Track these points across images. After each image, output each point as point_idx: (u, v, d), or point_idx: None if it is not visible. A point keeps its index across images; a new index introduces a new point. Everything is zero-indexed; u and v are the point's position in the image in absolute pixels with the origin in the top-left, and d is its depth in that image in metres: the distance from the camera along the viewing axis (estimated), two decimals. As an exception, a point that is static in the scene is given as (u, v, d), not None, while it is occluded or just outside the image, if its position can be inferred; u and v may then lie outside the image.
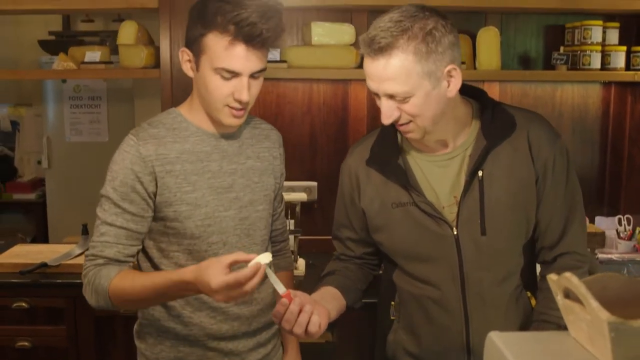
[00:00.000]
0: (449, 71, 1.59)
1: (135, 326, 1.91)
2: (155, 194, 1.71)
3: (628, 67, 3.00)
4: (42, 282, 2.73)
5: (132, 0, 2.88)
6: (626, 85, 3.13)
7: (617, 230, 3.06)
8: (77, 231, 3.22)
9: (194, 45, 1.67)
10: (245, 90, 1.66)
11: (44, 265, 2.78)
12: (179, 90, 2.91)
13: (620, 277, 1.05)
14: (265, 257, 1.51)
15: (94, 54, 3.01)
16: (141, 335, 1.88)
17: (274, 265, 1.99)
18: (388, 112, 1.61)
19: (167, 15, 2.87)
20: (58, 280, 2.73)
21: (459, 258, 1.70)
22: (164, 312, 1.81)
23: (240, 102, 1.68)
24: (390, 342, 1.87)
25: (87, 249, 1.76)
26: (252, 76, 1.67)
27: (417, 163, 1.75)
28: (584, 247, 1.83)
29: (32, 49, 4.78)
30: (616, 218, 3.10)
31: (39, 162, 4.90)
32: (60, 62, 2.98)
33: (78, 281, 2.67)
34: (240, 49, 1.62)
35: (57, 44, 4.55)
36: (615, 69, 2.97)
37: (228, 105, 1.69)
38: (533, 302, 1.82)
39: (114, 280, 1.66)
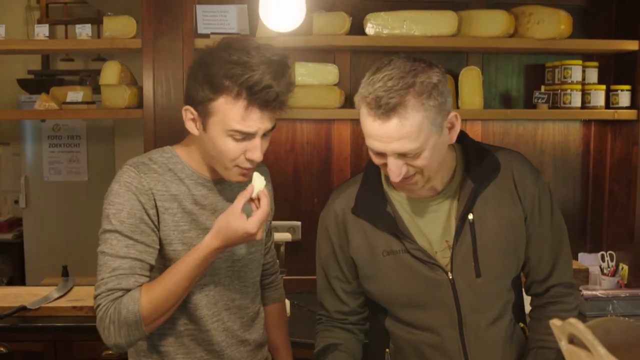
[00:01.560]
0: (450, 119, 1.60)
1: None
2: (157, 227, 1.67)
3: (607, 105, 3.04)
4: (21, 325, 2.66)
5: (115, 41, 2.88)
6: (606, 123, 3.18)
7: (600, 267, 3.08)
8: (55, 272, 3.16)
9: (200, 106, 1.62)
10: (259, 151, 1.63)
11: (23, 308, 2.71)
12: (162, 129, 2.89)
13: (622, 322, 1.05)
14: (259, 178, 1.66)
15: (76, 94, 2.99)
16: None
17: (267, 298, 2.03)
18: (398, 171, 1.58)
19: (150, 56, 2.86)
20: (38, 324, 2.67)
21: (455, 302, 1.70)
22: (157, 358, 1.77)
23: (252, 161, 1.65)
24: None
25: (95, 289, 1.63)
26: (264, 134, 1.64)
27: (405, 209, 1.74)
28: (571, 275, 1.86)
29: (10, 87, 4.75)
30: (599, 254, 3.12)
31: (16, 202, 4.84)
32: (42, 102, 2.95)
33: (58, 324, 2.67)
34: (255, 114, 1.58)
35: (36, 83, 4.54)
36: (595, 107, 3.01)
37: (238, 166, 1.66)
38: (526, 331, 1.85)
39: (143, 299, 1.58)
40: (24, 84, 4.67)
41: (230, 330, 1.79)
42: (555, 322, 1.02)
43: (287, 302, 2.84)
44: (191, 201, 1.72)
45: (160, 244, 1.69)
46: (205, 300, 1.74)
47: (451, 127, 1.62)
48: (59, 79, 4.71)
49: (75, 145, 4.57)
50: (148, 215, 1.65)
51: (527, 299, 1.93)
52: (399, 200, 1.74)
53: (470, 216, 1.69)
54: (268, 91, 1.56)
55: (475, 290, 1.70)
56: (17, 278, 4.78)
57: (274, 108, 1.60)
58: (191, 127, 1.68)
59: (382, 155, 1.59)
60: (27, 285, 3.70)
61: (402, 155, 1.56)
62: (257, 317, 1.89)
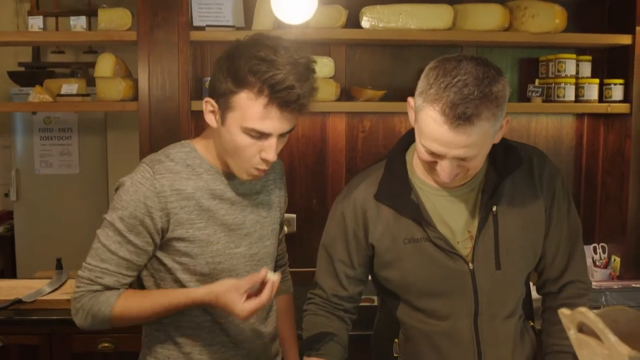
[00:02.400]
0: (503, 124, 1.61)
1: None
2: (164, 230, 1.68)
3: (601, 99, 3.07)
4: (16, 319, 2.66)
5: (110, 33, 2.87)
6: (599, 116, 3.20)
7: (592, 259, 3.11)
8: (47, 265, 3.16)
9: (222, 99, 1.61)
10: (273, 151, 1.62)
11: (18, 301, 2.71)
12: (158, 122, 2.89)
13: (628, 311, 1.06)
14: (274, 274, 1.64)
15: (70, 87, 2.98)
16: None
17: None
18: (451, 173, 1.60)
19: (145, 48, 2.85)
20: (33, 317, 2.66)
21: (474, 292, 1.72)
22: (174, 348, 1.78)
23: (266, 162, 1.65)
24: None
25: (81, 270, 1.71)
26: (281, 135, 1.63)
27: (430, 198, 1.75)
28: (586, 274, 1.87)
29: (0, 80, 4.71)
30: (591, 247, 3.15)
31: (7, 195, 4.81)
32: (36, 95, 2.94)
33: (54, 317, 2.66)
34: (274, 113, 1.57)
35: (27, 76, 4.50)
36: (588, 101, 3.03)
37: (252, 165, 1.65)
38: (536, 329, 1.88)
39: (116, 307, 1.66)
40: (14, 76, 4.63)
41: (247, 323, 1.79)
42: (564, 311, 1.04)
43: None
44: (209, 196, 1.71)
45: (172, 242, 1.70)
46: None
47: (500, 129, 1.63)
48: (49, 72, 4.67)
49: (66, 138, 4.54)
50: (152, 218, 1.66)
51: (535, 297, 1.95)
52: (423, 189, 1.75)
53: (494, 208, 1.71)
54: (290, 92, 1.54)
55: (494, 282, 1.72)
56: (8, 271, 4.75)
57: (294, 110, 1.58)
58: (210, 119, 1.67)
59: (436, 155, 1.59)
60: (18, 279, 3.68)
61: (459, 159, 1.57)
62: (271, 310, 1.90)
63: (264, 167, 1.66)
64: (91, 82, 3.07)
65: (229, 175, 1.75)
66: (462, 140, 1.52)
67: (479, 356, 1.74)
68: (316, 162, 3.16)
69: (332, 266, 1.86)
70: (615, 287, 2.88)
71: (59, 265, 3.06)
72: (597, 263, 3.08)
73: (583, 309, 0.97)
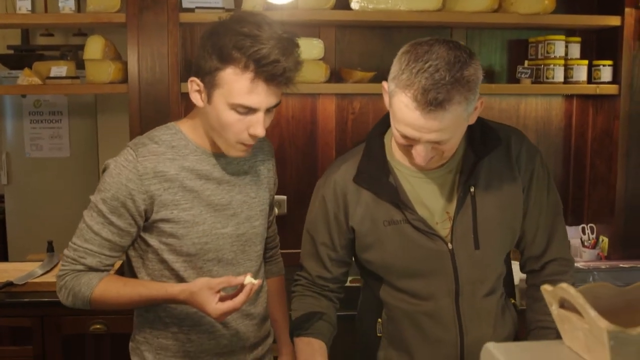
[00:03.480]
0: (477, 106, 1.62)
1: (131, 343, 1.89)
2: (147, 212, 1.70)
3: (590, 80, 3.08)
4: (7, 301, 2.67)
5: (99, 15, 2.85)
6: (588, 97, 3.22)
7: (581, 239, 3.13)
8: (38, 248, 3.16)
9: (207, 77, 1.62)
10: (261, 126, 1.63)
11: (10, 284, 2.71)
12: (147, 105, 2.88)
13: (610, 287, 1.08)
14: (253, 279, 1.62)
15: (59, 69, 2.97)
16: (138, 353, 1.85)
17: (266, 271, 2.03)
18: (426, 156, 1.60)
19: (135, 31, 2.84)
20: (24, 300, 2.68)
21: (454, 272, 1.73)
22: (162, 329, 1.80)
23: (254, 137, 1.65)
24: (380, 359, 1.87)
25: (66, 249, 1.74)
26: (267, 110, 1.64)
27: (408, 180, 1.75)
28: (568, 251, 1.89)
29: (-11, 63, 4.69)
30: (580, 227, 3.18)
31: (-3, 178, 4.79)
32: (25, 78, 2.93)
33: (45, 299, 2.67)
34: (260, 87, 1.58)
35: (16, 59, 4.47)
36: (577, 82, 3.05)
37: (240, 141, 1.66)
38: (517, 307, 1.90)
39: (96, 290, 1.70)
40: (3, 59, 4.60)
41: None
42: (546, 288, 1.05)
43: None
44: (194, 177, 1.72)
45: (157, 224, 1.71)
46: (209, 276, 1.75)
47: (474, 111, 1.63)
48: (39, 54, 4.64)
49: (57, 122, 4.52)
50: (133, 201, 1.67)
51: (517, 275, 1.97)
52: (401, 171, 1.76)
53: (472, 188, 1.72)
54: (276, 65, 1.55)
55: (473, 262, 1.74)
56: (0, 254, 4.75)
57: (280, 83, 1.59)
58: (196, 98, 1.67)
59: (410, 139, 1.60)
60: (10, 262, 3.69)
61: (435, 142, 1.58)
62: (262, 291, 1.91)
63: (251, 142, 1.67)
64: (81, 64, 3.05)
65: (216, 155, 1.76)
66: (434, 125, 1.53)
67: (460, 334, 1.76)
68: (306, 144, 3.17)
69: (315, 249, 1.87)
70: (603, 267, 2.91)
71: (50, 248, 3.07)
72: (586, 243, 3.11)
73: (564, 285, 0.98)
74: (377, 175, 1.75)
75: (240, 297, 1.60)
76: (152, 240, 1.74)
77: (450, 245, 1.72)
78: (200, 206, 1.73)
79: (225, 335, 1.82)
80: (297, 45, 1.63)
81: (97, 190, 1.71)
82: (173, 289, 1.67)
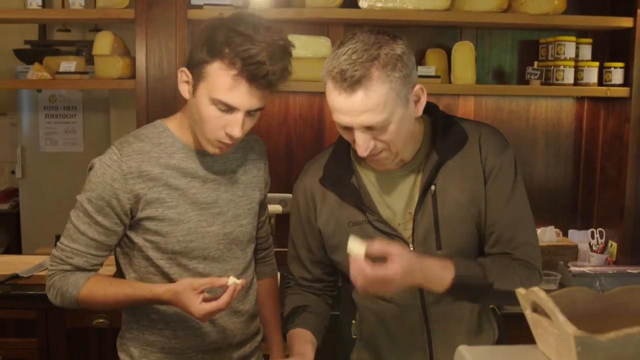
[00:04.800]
0: (416, 91, 1.59)
1: (118, 339, 1.90)
2: (132, 211, 1.70)
3: (600, 82, 3.04)
4: (12, 293, 2.70)
5: (108, 11, 2.87)
6: (599, 100, 3.17)
7: (590, 244, 3.09)
8: (51, 242, 3.17)
9: (195, 69, 1.62)
10: (239, 127, 1.62)
11: (15, 276, 2.74)
12: (155, 101, 2.90)
13: (588, 291, 1.06)
14: (236, 280, 1.63)
15: (69, 64, 2.99)
16: (125, 349, 1.86)
17: (259, 272, 2.03)
18: (365, 145, 1.57)
19: (143, 26, 2.86)
20: (29, 292, 2.70)
21: None
22: (149, 325, 1.80)
23: (231, 137, 1.65)
24: None
25: (54, 249, 1.76)
26: (249, 113, 1.63)
27: (371, 180, 1.74)
28: (536, 257, 1.72)
29: (7, 57, 4.73)
30: (589, 231, 3.14)
31: (13, 172, 4.84)
32: (35, 72, 2.96)
33: None
34: (242, 86, 1.57)
35: (32, 53, 4.51)
36: (588, 84, 3.01)
37: (217, 139, 1.66)
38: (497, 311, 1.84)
39: (83, 290, 1.71)
40: (20, 54, 4.65)
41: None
42: (520, 291, 1.04)
43: (277, 274, 2.87)
44: (179, 175, 1.73)
45: (142, 223, 1.72)
46: (195, 273, 1.76)
47: (417, 100, 1.61)
48: (55, 50, 4.69)
49: (71, 116, 4.56)
50: (118, 200, 1.68)
51: None
52: (365, 172, 1.75)
53: (433, 187, 1.68)
54: (260, 66, 1.55)
55: None
56: (14, 248, 4.80)
57: (261, 85, 1.58)
58: (183, 89, 1.68)
59: (349, 129, 1.59)
60: (23, 255, 3.73)
61: (368, 128, 1.55)
62: (251, 289, 1.91)
63: (228, 141, 1.66)
64: (93, 60, 3.08)
65: (202, 153, 1.76)
66: (359, 105, 1.51)
67: (428, 336, 1.73)
68: (314, 142, 3.16)
69: (296, 251, 1.88)
70: (610, 272, 2.87)
71: (58, 242, 3.09)
72: (594, 248, 3.07)
73: (535, 288, 0.97)
74: (340, 177, 1.74)
75: (224, 298, 1.61)
76: (137, 238, 1.74)
77: (411, 247, 1.69)
78: (185, 204, 1.73)
79: (212, 332, 1.82)
80: (290, 54, 1.63)
81: (83, 189, 1.72)
82: (157, 289, 1.68)
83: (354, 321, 1.85)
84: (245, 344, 1.90)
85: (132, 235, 1.75)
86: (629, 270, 2.89)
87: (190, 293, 1.61)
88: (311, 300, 1.88)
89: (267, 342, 2.04)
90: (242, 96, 1.59)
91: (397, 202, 1.72)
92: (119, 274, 1.84)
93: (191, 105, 1.68)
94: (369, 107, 1.51)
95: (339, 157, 1.77)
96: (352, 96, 1.51)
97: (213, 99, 1.60)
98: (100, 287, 1.72)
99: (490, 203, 1.70)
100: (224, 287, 1.62)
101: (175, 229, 1.72)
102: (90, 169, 1.72)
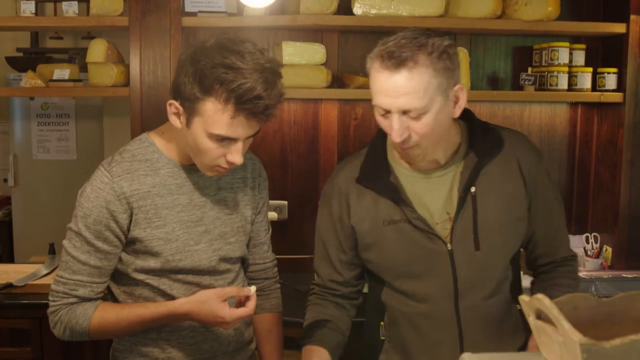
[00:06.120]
0: (456, 90, 1.64)
1: (111, 351, 1.87)
2: (129, 229, 1.68)
3: (594, 88, 3.05)
4: (6, 302, 2.67)
5: (102, 18, 2.86)
6: (592, 105, 3.18)
7: (584, 249, 3.10)
8: (44, 250, 3.16)
9: (187, 102, 1.58)
10: (239, 154, 1.61)
11: (9, 285, 2.72)
12: (149, 107, 2.89)
13: (590, 298, 1.06)
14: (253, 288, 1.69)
15: (62, 72, 2.98)
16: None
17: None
18: (400, 130, 1.61)
19: (137, 34, 2.85)
20: (24, 301, 2.67)
21: (453, 273, 1.74)
22: (141, 335, 1.77)
23: (232, 164, 1.63)
24: None
25: (54, 283, 1.71)
26: (247, 137, 1.62)
27: (408, 180, 1.77)
28: (569, 247, 1.91)
29: (-1, 65, 4.73)
30: (584, 236, 3.15)
31: (5, 180, 4.82)
32: (28, 80, 2.95)
33: (44, 301, 2.60)
34: (240, 122, 1.55)
35: (25, 61, 4.51)
36: (581, 90, 3.02)
37: (217, 165, 1.64)
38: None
39: (94, 319, 1.68)
40: (12, 61, 4.64)
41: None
42: (523, 298, 1.04)
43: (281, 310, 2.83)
44: (166, 192, 1.70)
45: (132, 242, 1.69)
46: (185, 283, 1.75)
47: (456, 102, 1.66)
48: (47, 57, 4.68)
49: (64, 124, 4.55)
50: (116, 221, 1.66)
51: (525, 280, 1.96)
52: (402, 172, 1.78)
53: (473, 189, 1.73)
54: (257, 102, 1.52)
55: (473, 263, 1.74)
56: (6, 256, 4.77)
57: (261, 119, 1.57)
58: (175, 120, 1.64)
59: (387, 116, 1.63)
60: (15, 263, 3.70)
61: (405, 113, 1.59)
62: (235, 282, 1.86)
63: (227, 167, 1.65)
64: (86, 67, 3.07)
65: (188, 168, 1.74)
66: (401, 86, 1.56)
67: (460, 337, 1.76)
68: (308, 149, 3.15)
69: (326, 252, 1.89)
70: (606, 277, 2.88)
71: (52, 250, 3.08)
72: (589, 253, 3.08)
73: (540, 296, 0.97)
74: (378, 175, 1.78)
75: (251, 304, 1.65)
76: (127, 257, 1.72)
77: (449, 246, 1.73)
78: (172, 223, 1.71)
79: (207, 341, 1.80)
80: (280, 76, 1.60)
81: (75, 217, 1.67)
82: (173, 303, 1.67)
83: (382, 323, 1.87)
84: (240, 352, 1.88)
85: (122, 254, 1.72)
86: (624, 275, 2.91)
87: (217, 301, 1.63)
88: (331, 313, 1.88)
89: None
90: (240, 130, 1.57)
91: (435, 202, 1.76)
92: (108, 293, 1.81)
93: (186, 136, 1.64)
94: (409, 90, 1.57)
95: (376, 157, 1.81)
96: (395, 75, 1.57)
97: (211, 134, 1.57)
98: (112, 313, 1.69)
99: (536, 211, 1.80)
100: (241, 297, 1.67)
101: (165, 248, 1.69)
102: (80, 195, 1.68)
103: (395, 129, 1.61)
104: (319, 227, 1.91)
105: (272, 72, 1.57)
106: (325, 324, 1.85)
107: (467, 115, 1.79)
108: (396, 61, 1.55)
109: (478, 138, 1.76)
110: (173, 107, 1.63)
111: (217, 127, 1.56)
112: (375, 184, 1.77)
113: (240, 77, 1.52)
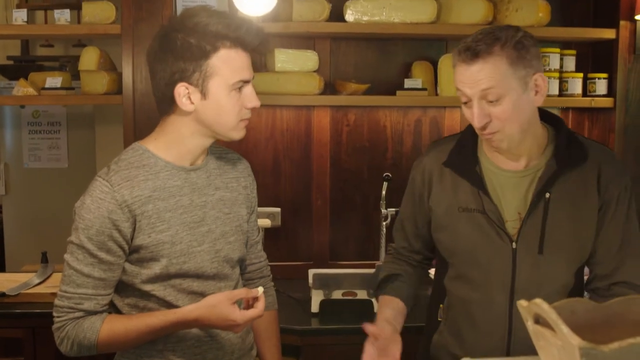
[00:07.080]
0: (536, 79, 1.71)
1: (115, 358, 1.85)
2: (132, 238, 1.67)
3: (585, 93, 3.08)
4: (-1, 312, 2.66)
5: (94, 26, 2.86)
6: (583, 110, 3.21)
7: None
8: (35, 259, 3.15)
9: (195, 74, 1.63)
10: (255, 95, 1.71)
11: (2, 294, 2.70)
12: (141, 115, 2.89)
13: (587, 302, 1.07)
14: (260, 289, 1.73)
15: (54, 80, 2.98)
16: None
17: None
18: (481, 116, 1.70)
19: (129, 42, 2.85)
20: (17, 310, 2.65)
21: (513, 270, 1.80)
22: (146, 347, 1.74)
23: (253, 109, 1.72)
24: (434, 342, 1.97)
25: (58, 299, 1.69)
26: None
27: (491, 175, 1.85)
28: (637, 275, 1.85)
29: (-11, 73, 4.70)
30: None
31: (-4, 189, 4.80)
32: (20, 88, 2.94)
33: (37, 311, 2.65)
34: (247, 58, 1.68)
35: (15, 69, 4.49)
36: (572, 95, 3.05)
37: (242, 118, 1.71)
38: None
39: (102, 332, 1.65)
40: (2, 69, 4.62)
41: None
42: (521, 303, 1.04)
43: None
44: (167, 195, 1.70)
45: (136, 249, 1.68)
46: (189, 292, 1.74)
47: (537, 91, 1.73)
48: (38, 65, 4.66)
49: (55, 132, 4.53)
50: (119, 231, 1.64)
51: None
52: (487, 166, 1.86)
53: (547, 195, 1.78)
54: (249, 28, 1.65)
55: (534, 265, 1.79)
56: (-3, 265, 4.75)
57: (262, 46, 1.71)
58: (186, 103, 1.65)
59: (469, 104, 1.73)
60: (7, 272, 3.68)
61: (484, 98, 1.69)
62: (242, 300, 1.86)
63: (249, 115, 1.73)
64: (78, 75, 3.06)
65: (185, 169, 1.74)
66: (476, 71, 1.67)
67: (509, 332, 1.82)
68: (301, 156, 3.15)
69: (402, 223, 2.05)
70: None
71: (45, 259, 3.06)
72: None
73: (538, 300, 0.97)
74: (466, 162, 1.87)
75: (261, 305, 1.68)
76: (130, 266, 1.70)
77: (514, 245, 1.79)
78: (175, 225, 1.70)
79: (212, 349, 1.79)
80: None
81: (75, 230, 1.65)
82: (182, 310, 1.66)
83: (441, 305, 1.96)
84: (242, 358, 1.88)
85: (126, 265, 1.71)
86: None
87: (227, 304, 1.64)
88: (405, 269, 2.03)
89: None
90: (248, 69, 1.69)
91: (509, 201, 1.82)
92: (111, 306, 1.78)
93: (202, 110, 1.67)
94: (484, 76, 1.67)
95: (465, 148, 1.89)
96: (471, 65, 1.68)
97: (234, 84, 1.66)
98: (120, 325, 1.67)
99: (604, 228, 1.82)
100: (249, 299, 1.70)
101: (170, 251, 1.69)
102: (80, 207, 1.66)
103: (475, 114, 1.71)
104: (403, 200, 2.05)
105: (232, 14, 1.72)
106: (397, 277, 2.00)
107: (556, 122, 1.86)
108: (472, 53, 1.67)
109: (562, 146, 1.81)
110: (183, 88, 1.65)
111: (237, 74, 1.66)
112: (461, 169, 1.86)
113: (222, 21, 1.63)
